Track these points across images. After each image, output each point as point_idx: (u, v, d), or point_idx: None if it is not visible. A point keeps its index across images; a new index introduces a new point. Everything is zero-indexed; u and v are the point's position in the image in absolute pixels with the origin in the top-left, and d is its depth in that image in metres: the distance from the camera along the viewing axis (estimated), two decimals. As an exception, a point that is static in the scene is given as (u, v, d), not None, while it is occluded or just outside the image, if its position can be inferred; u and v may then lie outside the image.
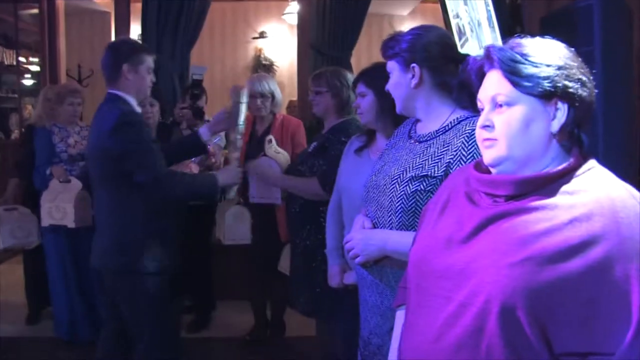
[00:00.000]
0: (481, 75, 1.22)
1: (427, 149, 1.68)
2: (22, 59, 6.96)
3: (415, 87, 1.70)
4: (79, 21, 7.77)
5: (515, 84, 1.14)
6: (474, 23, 2.95)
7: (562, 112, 1.12)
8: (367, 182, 1.82)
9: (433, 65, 1.69)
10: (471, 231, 1.16)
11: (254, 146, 3.52)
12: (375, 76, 2.23)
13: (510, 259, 1.07)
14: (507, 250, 1.08)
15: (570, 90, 1.11)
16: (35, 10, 5.94)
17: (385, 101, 2.16)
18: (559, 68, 1.12)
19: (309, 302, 2.82)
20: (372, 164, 2.17)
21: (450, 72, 1.68)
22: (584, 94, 1.13)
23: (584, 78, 1.14)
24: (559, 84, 1.11)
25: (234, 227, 3.43)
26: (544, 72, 1.12)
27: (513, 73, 1.14)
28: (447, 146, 1.63)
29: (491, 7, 2.70)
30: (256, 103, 3.50)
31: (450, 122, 1.68)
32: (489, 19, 2.75)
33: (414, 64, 1.69)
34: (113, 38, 6.37)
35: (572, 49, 1.18)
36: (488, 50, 1.20)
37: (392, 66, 1.74)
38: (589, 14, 2.09)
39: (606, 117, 1.97)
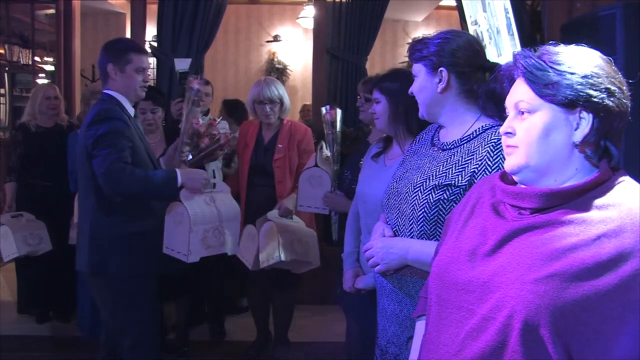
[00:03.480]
0: (513, 83, 1.20)
1: (450, 157, 1.65)
2: (37, 58, 6.99)
3: (442, 92, 1.67)
4: (94, 22, 7.82)
5: (537, 92, 1.12)
6: (492, 30, 2.93)
7: (586, 122, 1.09)
8: (388, 189, 1.79)
9: (461, 71, 1.66)
10: (495, 244, 1.13)
11: (260, 154, 3.46)
12: (388, 82, 2.23)
13: (535, 274, 1.04)
14: (532, 264, 1.05)
15: (595, 99, 1.08)
16: (52, 11, 5.98)
17: (397, 107, 2.16)
18: (584, 77, 1.08)
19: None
20: (388, 170, 2.17)
21: (477, 79, 1.65)
22: (611, 104, 1.08)
23: (613, 88, 1.09)
24: (582, 93, 1.08)
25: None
26: (566, 80, 1.09)
27: (535, 80, 1.12)
28: (472, 155, 1.61)
29: (511, 14, 2.68)
30: (265, 110, 3.39)
31: (475, 131, 1.65)
32: (509, 26, 2.73)
33: (442, 68, 1.66)
34: (128, 39, 6.36)
35: (608, 57, 1.14)
36: (515, 56, 1.18)
37: (418, 69, 1.70)
38: (612, 22, 2.07)
39: (628, 128, 1.94)
